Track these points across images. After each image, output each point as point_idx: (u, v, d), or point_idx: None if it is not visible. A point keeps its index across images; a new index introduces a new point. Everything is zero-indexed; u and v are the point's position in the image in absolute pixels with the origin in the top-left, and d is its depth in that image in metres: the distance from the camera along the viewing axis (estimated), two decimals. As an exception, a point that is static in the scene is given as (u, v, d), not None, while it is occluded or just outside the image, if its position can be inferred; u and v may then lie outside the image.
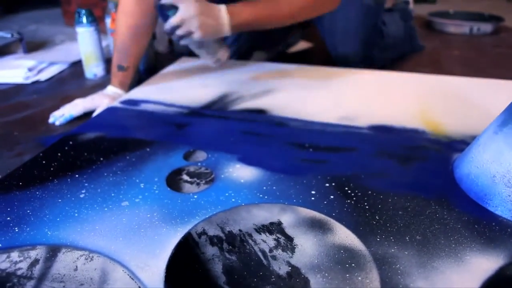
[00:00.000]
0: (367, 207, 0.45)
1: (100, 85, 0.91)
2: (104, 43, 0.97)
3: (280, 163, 0.54)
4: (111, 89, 0.79)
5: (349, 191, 0.47)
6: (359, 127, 0.65)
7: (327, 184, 0.49)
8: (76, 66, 1.04)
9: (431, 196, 0.47)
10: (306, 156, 0.56)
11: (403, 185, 0.49)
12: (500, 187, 0.44)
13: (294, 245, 0.39)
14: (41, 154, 0.57)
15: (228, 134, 0.63)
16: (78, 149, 0.58)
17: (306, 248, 0.39)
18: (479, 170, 0.47)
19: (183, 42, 0.72)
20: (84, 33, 0.90)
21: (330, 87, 0.82)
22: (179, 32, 0.69)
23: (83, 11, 0.89)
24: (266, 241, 0.40)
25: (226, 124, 0.66)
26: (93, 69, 0.94)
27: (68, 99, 0.79)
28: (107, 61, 0.95)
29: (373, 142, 0.60)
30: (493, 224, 0.42)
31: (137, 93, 0.80)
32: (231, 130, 0.64)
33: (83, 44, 0.91)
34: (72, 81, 0.96)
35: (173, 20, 0.68)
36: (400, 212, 0.44)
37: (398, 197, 0.47)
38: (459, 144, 0.58)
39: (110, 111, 0.72)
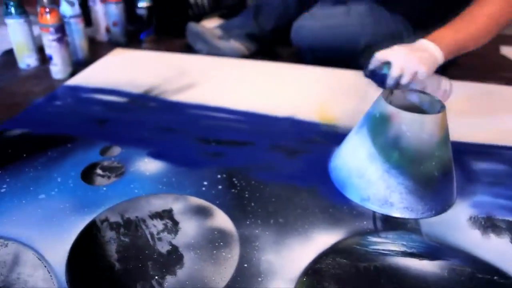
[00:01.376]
0: (247, 195, 0.55)
1: (34, 75, 0.94)
2: (36, 32, 0.99)
3: (183, 157, 0.63)
4: None
5: (235, 182, 0.57)
6: (262, 118, 0.74)
7: (218, 176, 0.58)
8: (9, 54, 1.06)
9: (304, 185, 0.58)
10: (208, 149, 0.65)
11: (284, 176, 0.60)
12: (354, 178, 0.56)
13: (178, 228, 0.49)
14: (-33, 150, 0.62)
15: (143, 129, 0.70)
16: (2, 146, 0.64)
17: (188, 231, 0.49)
18: (341, 163, 0.58)
19: (410, 87, 0.70)
20: (14, 24, 0.92)
21: (252, 80, 0.90)
22: (406, 79, 0.68)
23: (11, 3, 0.90)
24: (156, 226, 0.49)
25: (144, 119, 0.74)
26: (25, 59, 0.97)
27: (2, 90, 0.83)
28: (40, 51, 0.98)
29: (271, 135, 0.70)
30: (345, 207, 0.54)
31: (72, 82, 0.85)
32: (147, 125, 0.72)
33: (13, 35, 0.94)
34: (5, 70, 0.98)
35: (394, 73, 0.68)
36: (273, 199, 0.54)
37: (275, 186, 0.57)
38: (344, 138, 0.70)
39: (37, 107, 0.77)
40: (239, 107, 0.80)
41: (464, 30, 0.73)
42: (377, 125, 0.53)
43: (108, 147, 0.65)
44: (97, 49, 1.10)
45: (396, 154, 0.51)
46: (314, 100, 0.83)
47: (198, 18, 1.30)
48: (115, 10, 1.12)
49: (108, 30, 1.17)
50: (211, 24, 1.26)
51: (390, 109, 0.51)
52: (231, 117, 0.76)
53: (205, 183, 0.57)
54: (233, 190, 0.56)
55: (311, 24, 1.03)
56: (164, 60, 1.01)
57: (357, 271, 0.44)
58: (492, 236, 0.51)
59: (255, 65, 1.02)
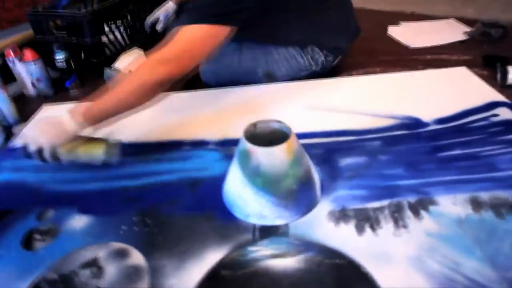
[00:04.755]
0: (156, 231, 0.69)
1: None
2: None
3: (106, 207, 0.76)
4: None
5: (148, 221, 0.72)
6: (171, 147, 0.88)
7: (134, 218, 0.72)
8: None
9: (201, 213, 0.72)
10: (127, 195, 0.79)
11: (186, 207, 0.74)
12: (236, 200, 0.71)
13: (103, 272, 0.63)
14: None
15: (70, 188, 0.83)
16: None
17: (110, 273, 0.63)
18: (227, 189, 0.73)
19: (59, 160, 0.81)
20: None
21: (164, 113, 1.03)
22: (32, 148, 0.79)
23: None
24: (85, 274, 0.63)
25: (74, 176, 0.86)
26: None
27: None
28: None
29: (178, 170, 0.84)
30: (232, 225, 0.69)
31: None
32: (77, 182, 0.84)
33: None
34: None
35: (31, 149, 0.79)
36: (177, 231, 0.69)
37: (180, 218, 0.72)
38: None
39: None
40: (149, 139, 0.94)
41: (112, 98, 0.80)
42: (243, 158, 0.68)
43: (43, 211, 0.77)
44: (26, 106, 1.20)
45: (260, 180, 0.66)
46: (217, 122, 0.97)
47: (117, 54, 1.39)
48: (36, 68, 1.21)
49: (34, 85, 1.26)
50: (131, 57, 1.36)
51: (249, 146, 0.66)
52: (141, 150, 0.91)
53: (123, 227, 0.71)
54: (146, 229, 0.70)
55: (210, 67, 1.16)
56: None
57: (237, 279, 0.60)
58: (342, 225, 0.67)
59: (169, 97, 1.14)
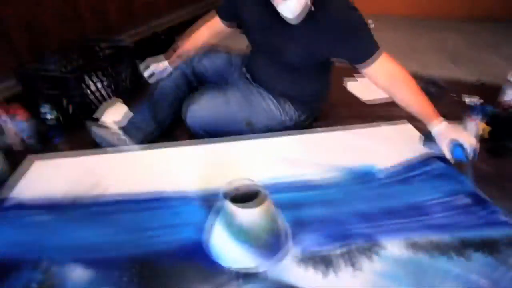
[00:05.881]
0: (155, 283, 0.80)
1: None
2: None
3: (102, 256, 0.86)
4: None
5: (146, 272, 0.82)
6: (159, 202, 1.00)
7: (133, 270, 0.83)
8: None
9: (194, 262, 0.84)
10: (120, 242, 0.89)
11: (178, 257, 0.86)
12: (222, 251, 0.84)
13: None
14: None
15: (65, 239, 0.92)
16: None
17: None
18: (213, 243, 0.86)
19: None
20: None
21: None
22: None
23: None
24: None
25: (66, 230, 0.95)
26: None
27: None
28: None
29: (166, 220, 0.96)
30: (218, 273, 0.82)
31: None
32: (70, 234, 0.94)
33: None
34: None
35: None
36: (173, 281, 0.80)
37: (173, 269, 0.83)
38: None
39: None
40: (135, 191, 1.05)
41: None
42: (227, 217, 0.82)
43: (38, 265, 0.86)
44: (16, 159, 1.27)
45: (242, 235, 0.80)
46: (201, 175, 1.10)
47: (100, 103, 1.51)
48: (26, 127, 1.30)
49: (24, 141, 1.35)
50: (116, 109, 1.48)
51: (233, 207, 0.80)
52: (130, 206, 1.01)
53: (125, 279, 0.81)
54: (145, 280, 0.81)
55: (200, 113, 1.32)
56: (75, 165, 1.20)
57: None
58: (310, 269, 0.82)
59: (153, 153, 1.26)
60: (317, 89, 1.41)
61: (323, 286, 0.78)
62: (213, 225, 0.87)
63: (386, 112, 1.53)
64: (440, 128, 1.09)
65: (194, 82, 1.44)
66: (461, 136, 1.04)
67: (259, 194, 0.85)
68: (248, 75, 1.43)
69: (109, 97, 1.60)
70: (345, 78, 1.88)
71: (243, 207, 0.80)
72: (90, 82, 1.55)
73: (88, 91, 1.51)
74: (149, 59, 1.47)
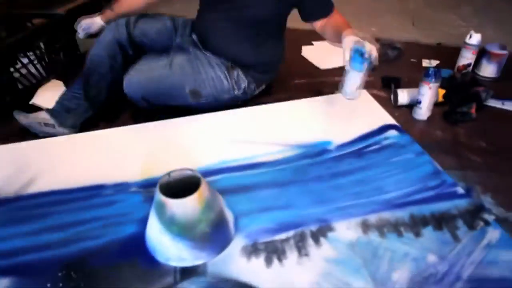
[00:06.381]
0: (82, 285, 0.72)
1: None
2: None
3: (29, 266, 0.77)
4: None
5: (74, 275, 0.74)
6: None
7: (59, 274, 0.74)
8: None
9: (126, 261, 0.76)
10: (50, 250, 0.80)
11: (111, 256, 0.77)
12: (157, 245, 0.76)
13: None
14: None
15: None
16: None
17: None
18: (148, 236, 0.78)
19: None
20: None
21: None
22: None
23: None
24: None
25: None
26: None
27: None
28: None
29: (102, 217, 0.87)
30: (155, 269, 0.74)
31: None
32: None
33: None
34: None
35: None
36: (102, 282, 0.73)
37: (105, 268, 0.75)
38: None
39: None
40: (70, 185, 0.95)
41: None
42: (159, 208, 0.73)
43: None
44: None
45: (175, 227, 0.73)
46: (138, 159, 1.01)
47: (33, 87, 1.35)
48: None
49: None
50: (50, 91, 1.33)
51: (163, 198, 0.72)
52: (62, 198, 0.91)
53: (48, 285, 0.72)
54: (72, 284, 0.72)
55: (139, 77, 1.17)
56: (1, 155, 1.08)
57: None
58: (253, 259, 0.76)
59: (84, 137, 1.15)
60: (275, 55, 1.31)
61: (267, 277, 0.72)
62: (149, 217, 0.79)
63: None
64: (347, 32, 1.03)
65: (129, 50, 1.26)
66: (364, 43, 0.99)
67: (193, 178, 0.76)
68: (196, 39, 1.29)
69: (42, 77, 1.43)
70: (303, 47, 1.78)
71: (174, 198, 0.72)
72: (18, 62, 1.38)
73: (16, 72, 1.34)
74: (82, 17, 1.31)
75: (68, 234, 0.83)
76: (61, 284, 0.73)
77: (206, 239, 0.75)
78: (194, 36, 1.28)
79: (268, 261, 0.75)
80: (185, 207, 0.72)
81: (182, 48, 1.25)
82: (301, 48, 1.75)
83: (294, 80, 1.49)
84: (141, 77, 1.17)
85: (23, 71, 1.38)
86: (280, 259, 0.75)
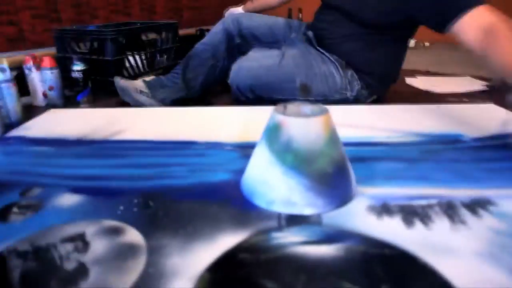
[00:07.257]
0: (160, 214, 0.57)
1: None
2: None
3: (103, 189, 0.65)
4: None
5: (151, 203, 0.60)
6: (181, 145, 0.79)
7: (135, 200, 0.61)
8: None
9: (216, 200, 0.61)
10: (130, 181, 0.68)
11: (195, 194, 0.63)
12: (258, 185, 0.60)
13: (88, 247, 0.50)
14: None
15: (67, 169, 0.73)
16: None
17: (97, 249, 0.50)
18: (247, 175, 0.63)
19: None
20: None
21: (177, 123, 0.96)
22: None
23: None
24: (66, 248, 0.50)
25: (69, 162, 0.76)
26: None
27: None
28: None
29: (190, 163, 0.74)
30: (252, 213, 0.58)
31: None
32: (72, 169, 0.74)
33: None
34: None
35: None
36: (185, 214, 0.57)
37: (189, 204, 0.60)
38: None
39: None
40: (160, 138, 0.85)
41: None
42: (272, 133, 0.59)
43: (28, 188, 0.66)
44: (33, 113, 1.14)
45: (290, 157, 0.57)
46: (234, 129, 0.89)
47: (134, 78, 1.38)
48: (51, 76, 1.18)
49: (45, 95, 1.22)
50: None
51: (280, 117, 0.58)
52: (150, 146, 0.83)
53: (121, 207, 0.59)
54: (148, 211, 0.58)
55: (249, 64, 1.12)
56: (95, 114, 1.05)
57: (257, 263, 0.47)
58: (385, 218, 0.56)
59: (181, 111, 1.08)
60: (389, 62, 1.19)
61: (408, 237, 0.51)
62: (253, 153, 0.64)
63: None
64: None
65: (236, 39, 1.24)
66: None
67: (320, 111, 0.62)
68: (311, 36, 1.21)
69: (144, 71, 1.47)
70: (406, 78, 1.66)
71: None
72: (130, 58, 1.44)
73: (125, 59, 1.39)
74: (230, 6, 1.51)
75: (151, 172, 0.71)
76: (135, 209, 0.59)
77: (325, 182, 0.57)
78: (310, 33, 1.23)
79: (408, 222, 0.54)
80: (308, 130, 0.57)
81: (294, 43, 1.21)
82: (404, 80, 1.63)
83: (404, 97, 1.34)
84: (252, 63, 1.12)
85: (132, 61, 1.43)
86: (424, 222, 0.54)
